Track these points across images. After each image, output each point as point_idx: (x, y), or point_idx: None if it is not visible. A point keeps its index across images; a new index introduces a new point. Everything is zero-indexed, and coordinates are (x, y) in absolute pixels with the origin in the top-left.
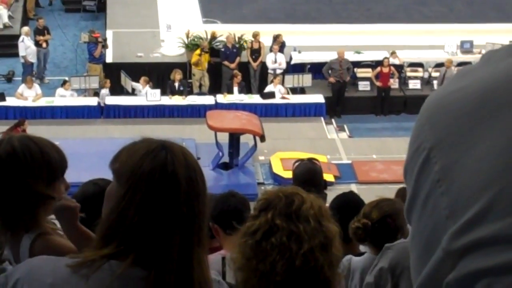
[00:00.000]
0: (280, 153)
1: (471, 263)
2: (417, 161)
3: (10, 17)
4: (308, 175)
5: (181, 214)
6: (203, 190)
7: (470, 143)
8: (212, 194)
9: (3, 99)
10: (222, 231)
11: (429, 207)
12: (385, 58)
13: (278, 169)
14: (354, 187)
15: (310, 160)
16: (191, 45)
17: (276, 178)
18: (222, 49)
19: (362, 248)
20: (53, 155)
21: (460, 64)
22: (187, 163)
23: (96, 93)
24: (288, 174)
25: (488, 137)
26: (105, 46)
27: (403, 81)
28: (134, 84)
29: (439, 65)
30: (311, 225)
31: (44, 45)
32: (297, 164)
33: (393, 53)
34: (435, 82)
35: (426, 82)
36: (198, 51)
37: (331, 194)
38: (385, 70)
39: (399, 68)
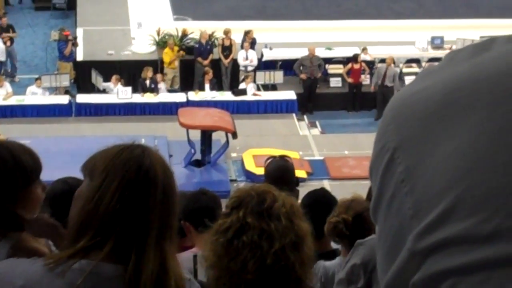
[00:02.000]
0: (252, 150)
1: (436, 263)
2: (382, 161)
3: None
4: (280, 172)
5: (157, 206)
6: (176, 187)
7: (434, 144)
8: (183, 192)
9: None
10: (193, 229)
11: (394, 207)
12: (356, 54)
13: (250, 166)
14: (326, 183)
15: (282, 157)
16: (162, 43)
17: (249, 175)
18: (196, 46)
19: (333, 245)
20: (26, 159)
21: (431, 60)
22: (162, 159)
23: (67, 91)
24: (261, 171)
25: (452, 138)
26: (75, 44)
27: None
28: (105, 84)
29: (410, 61)
30: (282, 223)
31: (8, 43)
32: (269, 161)
33: (364, 50)
34: (406, 78)
35: (398, 78)
36: (166, 50)
37: (303, 190)
38: (356, 66)
39: (371, 64)
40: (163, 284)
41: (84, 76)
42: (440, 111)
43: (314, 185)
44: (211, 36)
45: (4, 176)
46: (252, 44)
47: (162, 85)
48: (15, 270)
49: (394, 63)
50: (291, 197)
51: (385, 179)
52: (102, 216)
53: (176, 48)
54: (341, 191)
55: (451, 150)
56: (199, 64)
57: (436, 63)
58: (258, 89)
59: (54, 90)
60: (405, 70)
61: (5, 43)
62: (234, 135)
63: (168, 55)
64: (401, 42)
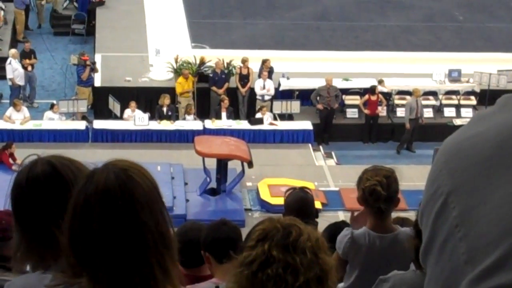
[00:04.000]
0: (267, 180)
1: None
2: (434, 206)
3: None
4: (300, 204)
5: (139, 227)
6: (162, 211)
7: (488, 190)
8: (202, 223)
9: None
10: (214, 259)
11: (447, 252)
12: (373, 86)
13: (265, 195)
14: (341, 214)
15: (302, 189)
16: (180, 70)
17: (264, 205)
18: (211, 75)
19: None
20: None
21: (448, 92)
22: (145, 175)
23: (84, 117)
24: (276, 201)
25: (506, 184)
26: (94, 70)
27: (391, 108)
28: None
29: (427, 93)
30: (307, 257)
31: (29, 68)
32: (288, 192)
33: (381, 82)
34: (424, 110)
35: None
36: (180, 79)
37: (319, 221)
38: (373, 97)
39: (387, 96)
40: None
41: (101, 102)
42: (495, 158)
43: (329, 216)
44: (228, 64)
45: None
46: (270, 73)
47: (190, 118)
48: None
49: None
50: (317, 231)
51: (438, 223)
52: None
53: (191, 78)
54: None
55: (505, 196)
56: (214, 92)
57: (487, 108)
58: (275, 118)
59: (71, 116)
60: (422, 102)
61: (25, 68)
62: (250, 164)
63: (181, 85)
64: (418, 74)
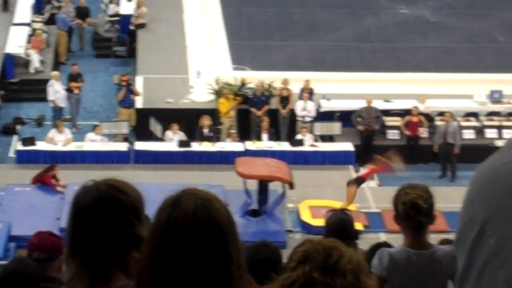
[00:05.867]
0: (308, 201)
1: None
2: (471, 233)
3: (41, 61)
4: (340, 225)
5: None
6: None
7: None
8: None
9: (33, 144)
10: (255, 280)
11: (485, 279)
12: (414, 107)
13: (306, 217)
14: (383, 236)
15: (342, 210)
16: (220, 92)
17: (305, 226)
18: (251, 96)
19: None
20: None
21: (490, 114)
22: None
23: (126, 138)
24: (317, 222)
25: None
26: (134, 92)
27: (433, 130)
28: (164, 132)
29: (468, 114)
30: (348, 280)
31: (75, 91)
32: (329, 214)
33: (422, 103)
34: (464, 131)
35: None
36: (221, 100)
37: (359, 243)
38: (414, 119)
39: (428, 117)
40: None
41: (143, 123)
42: None
43: (370, 237)
44: (269, 86)
45: (132, 209)
46: (310, 95)
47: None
48: None
49: (453, 118)
50: (358, 253)
51: (475, 250)
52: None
53: (231, 97)
54: (398, 244)
55: None
56: (253, 114)
57: None
58: (316, 140)
59: (113, 137)
60: (463, 123)
61: (72, 90)
62: (291, 186)
63: (223, 105)
64: (459, 95)
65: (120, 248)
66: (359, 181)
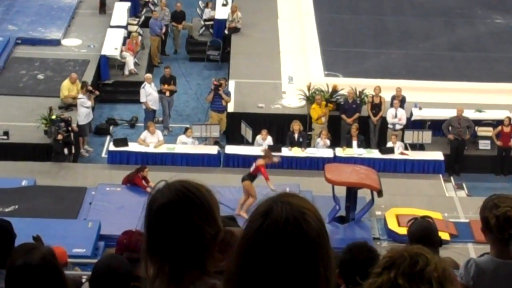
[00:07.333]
0: (395, 209)
1: None
2: None
3: (136, 64)
4: (423, 233)
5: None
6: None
7: None
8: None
9: (126, 144)
10: (343, 282)
11: None
12: (507, 117)
13: (393, 225)
14: (471, 247)
15: (425, 218)
16: (312, 98)
17: (391, 234)
18: (342, 103)
19: None
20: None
21: None
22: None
23: (217, 142)
24: (403, 231)
25: None
26: (224, 99)
27: None
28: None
29: None
30: (433, 287)
31: (167, 94)
32: (411, 222)
33: None
34: None
35: None
36: (314, 106)
37: (447, 253)
38: (506, 129)
39: None
40: None
41: (233, 127)
42: None
43: (458, 247)
44: (361, 93)
45: (204, 210)
46: (402, 103)
47: (321, 142)
48: None
49: None
50: (444, 261)
51: None
52: None
53: (323, 104)
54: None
55: None
56: (343, 121)
57: None
58: (406, 148)
59: (204, 140)
60: None
61: (164, 93)
62: (380, 193)
63: (315, 111)
64: None
65: (197, 248)
66: (251, 177)
